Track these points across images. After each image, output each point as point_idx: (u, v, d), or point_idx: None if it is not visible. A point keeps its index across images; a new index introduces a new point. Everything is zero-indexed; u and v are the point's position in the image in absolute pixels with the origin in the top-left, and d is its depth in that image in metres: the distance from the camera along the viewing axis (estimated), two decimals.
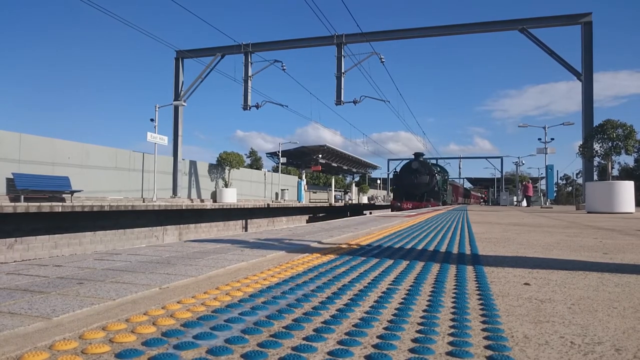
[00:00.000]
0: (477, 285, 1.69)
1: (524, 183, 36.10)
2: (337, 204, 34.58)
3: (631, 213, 12.20)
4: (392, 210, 26.95)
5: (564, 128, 32.68)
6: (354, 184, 51.61)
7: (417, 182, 26.06)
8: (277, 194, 30.17)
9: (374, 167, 56.34)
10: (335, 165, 42.77)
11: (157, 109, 18.55)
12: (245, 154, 56.29)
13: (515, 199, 43.68)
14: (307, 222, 27.78)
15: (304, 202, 31.70)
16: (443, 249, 2.93)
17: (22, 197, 11.82)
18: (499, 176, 63.81)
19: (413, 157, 28.52)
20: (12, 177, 12.44)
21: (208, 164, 23.12)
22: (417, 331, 1.09)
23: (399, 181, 27.53)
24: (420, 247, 3.02)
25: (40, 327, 1.06)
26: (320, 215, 31.42)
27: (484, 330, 1.11)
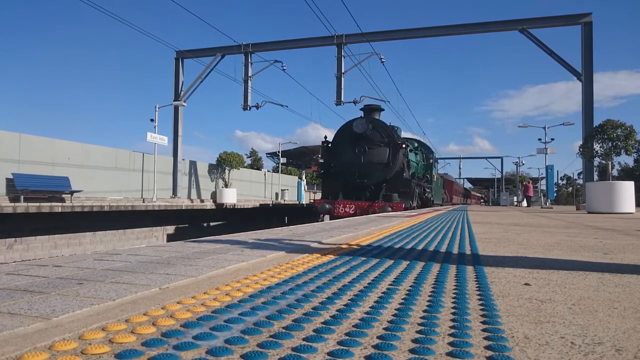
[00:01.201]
0: (477, 285, 1.69)
1: (524, 183, 36.10)
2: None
3: (631, 213, 12.19)
4: (320, 218, 15.91)
5: (563, 128, 32.71)
6: None
7: (365, 162, 13.60)
8: (277, 194, 30.17)
9: None
10: None
11: (157, 109, 18.55)
12: (246, 154, 56.20)
13: (515, 199, 43.70)
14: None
15: (303, 200, 31.47)
16: (443, 249, 2.92)
17: (22, 197, 11.81)
18: (499, 176, 63.77)
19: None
20: (11, 177, 12.44)
21: (208, 164, 23.12)
22: (418, 331, 1.09)
23: (332, 160, 14.47)
24: (420, 247, 3.01)
25: (40, 328, 1.06)
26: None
27: (484, 330, 1.10)
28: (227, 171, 22.90)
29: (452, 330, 1.10)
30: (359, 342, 1.00)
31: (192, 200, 19.51)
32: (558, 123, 31.39)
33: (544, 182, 49.32)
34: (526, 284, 1.73)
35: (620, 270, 2.12)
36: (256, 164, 55.26)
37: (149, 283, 1.57)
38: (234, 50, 21.86)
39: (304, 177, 36.61)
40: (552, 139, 31.69)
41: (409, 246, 3.05)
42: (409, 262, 2.28)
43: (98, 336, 1.01)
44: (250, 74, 21.87)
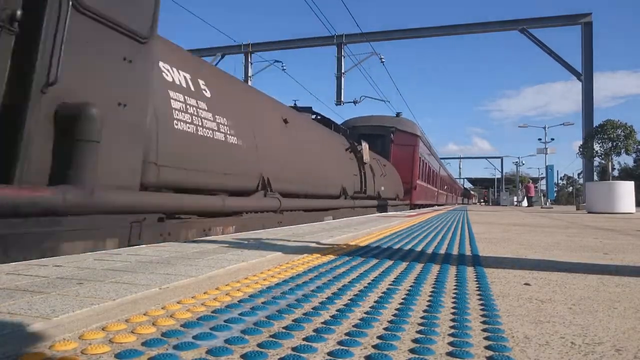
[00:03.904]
0: (477, 285, 1.69)
1: (525, 184, 36.13)
2: None
3: (631, 213, 12.20)
4: None
5: (563, 128, 32.75)
6: None
7: None
8: None
9: None
10: None
11: None
12: None
13: (515, 199, 43.73)
14: None
15: None
16: (443, 249, 2.92)
17: None
18: (499, 176, 63.81)
19: None
20: None
21: None
22: (418, 331, 1.09)
23: None
24: (420, 247, 3.01)
25: (40, 328, 1.06)
26: None
27: (484, 330, 1.11)
28: None
29: (452, 330, 1.10)
30: (359, 342, 1.00)
31: None
32: (556, 123, 31.65)
33: (544, 182, 49.39)
34: (526, 284, 1.73)
35: (620, 271, 2.12)
36: None
37: (149, 283, 1.57)
38: (234, 50, 21.89)
39: None
40: (552, 139, 31.75)
41: (409, 246, 3.05)
42: (408, 262, 2.28)
43: (98, 336, 1.01)
44: (250, 74, 21.91)
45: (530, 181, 42.53)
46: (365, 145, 12.00)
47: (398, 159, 18.19)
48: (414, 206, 19.36)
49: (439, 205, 29.22)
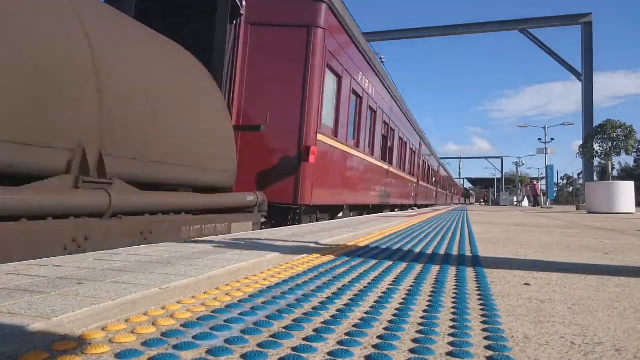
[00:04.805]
0: (477, 285, 1.69)
1: (525, 184, 35.98)
2: None
3: (631, 213, 12.20)
4: None
5: (563, 128, 32.74)
6: None
7: None
8: None
9: None
10: None
11: None
12: None
13: (515, 199, 43.73)
14: None
15: None
16: (443, 249, 2.93)
17: None
18: (499, 176, 63.80)
19: None
20: None
21: None
22: (417, 331, 1.09)
23: None
24: (420, 247, 3.01)
25: (40, 327, 1.06)
26: None
27: (484, 330, 1.11)
28: None
29: (452, 330, 1.10)
30: (359, 342, 1.00)
31: None
32: (556, 123, 31.58)
33: (544, 182, 49.39)
34: (526, 284, 1.73)
35: (620, 271, 2.12)
36: None
37: (149, 283, 1.57)
38: None
39: None
40: (552, 139, 31.73)
41: (409, 246, 3.05)
42: (408, 262, 2.28)
43: (98, 336, 1.01)
44: None
45: (532, 181, 42.46)
46: None
47: (257, 73, 6.09)
48: (310, 211, 6.98)
49: (419, 206, 18.75)
